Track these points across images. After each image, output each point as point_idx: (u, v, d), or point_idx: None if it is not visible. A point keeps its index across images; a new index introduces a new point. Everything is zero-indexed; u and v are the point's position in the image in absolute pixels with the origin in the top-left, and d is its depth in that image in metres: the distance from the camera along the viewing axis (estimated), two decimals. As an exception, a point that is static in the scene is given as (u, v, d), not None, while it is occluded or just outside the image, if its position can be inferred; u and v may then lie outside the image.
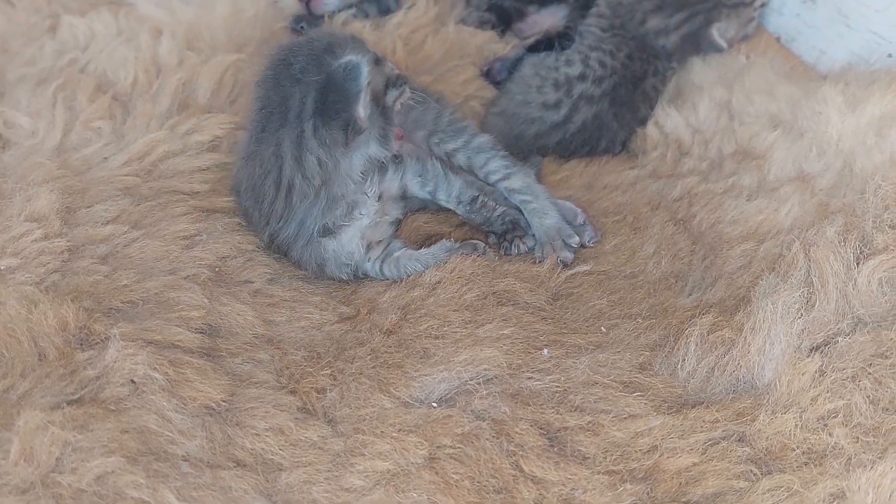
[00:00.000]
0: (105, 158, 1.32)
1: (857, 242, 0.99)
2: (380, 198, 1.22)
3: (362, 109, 1.10)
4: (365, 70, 1.08)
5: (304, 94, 1.10)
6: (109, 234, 1.15)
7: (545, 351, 1.03)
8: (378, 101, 1.14)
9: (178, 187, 1.30)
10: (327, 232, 1.17)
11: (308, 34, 1.20)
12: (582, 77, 1.58)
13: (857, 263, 0.97)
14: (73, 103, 1.42)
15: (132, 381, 0.93)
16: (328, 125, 1.10)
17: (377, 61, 1.13)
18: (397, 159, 1.25)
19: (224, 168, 1.37)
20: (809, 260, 1.01)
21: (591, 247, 1.30)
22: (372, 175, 1.19)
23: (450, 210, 1.33)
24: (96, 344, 0.97)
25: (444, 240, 1.22)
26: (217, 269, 1.17)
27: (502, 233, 1.29)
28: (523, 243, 1.28)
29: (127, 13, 1.65)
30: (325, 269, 1.20)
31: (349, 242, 1.19)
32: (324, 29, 1.25)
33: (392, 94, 1.17)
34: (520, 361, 1.02)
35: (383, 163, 1.21)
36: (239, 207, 1.25)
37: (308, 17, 1.77)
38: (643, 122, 1.61)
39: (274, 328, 1.11)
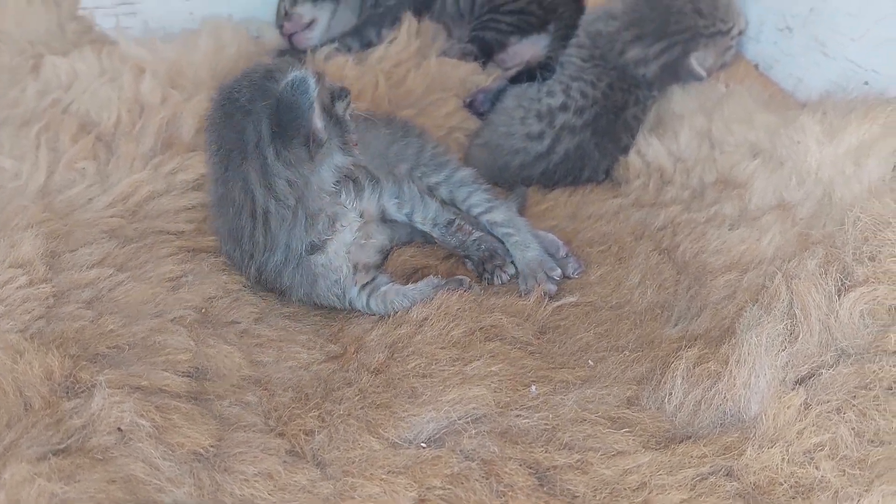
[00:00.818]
0: (89, 200, 1.32)
1: (838, 274, 1.00)
2: (361, 215, 1.22)
3: (318, 120, 1.11)
4: (312, 82, 1.09)
5: (257, 122, 1.10)
6: (94, 278, 1.14)
7: (533, 388, 1.03)
8: (329, 112, 1.15)
9: (163, 227, 1.30)
10: (314, 248, 1.17)
11: (243, 69, 1.20)
12: (564, 107, 1.59)
13: (839, 295, 0.98)
14: (57, 144, 1.42)
15: (119, 428, 0.92)
16: (289, 145, 1.10)
17: (318, 76, 1.13)
18: (373, 180, 1.26)
19: (208, 206, 1.37)
20: (792, 292, 1.02)
21: (576, 278, 1.31)
22: (346, 186, 1.19)
23: (435, 244, 1.34)
24: (82, 392, 0.96)
25: (430, 276, 1.23)
26: (203, 311, 1.17)
27: (480, 260, 1.30)
28: (504, 272, 1.29)
29: (109, 52, 1.65)
30: (318, 289, 1.19)
31: (335, 256, 1.19)
32: (257, 61, 1.26)
33: (340, 105, 1.18)
34: (508, 399, 1.02)
35: (356, 176, 1.22)
36: (223, 252, 1.25)
37: (291, 52, 1.79)
38: (625, 150, 1.62)
39: (261, 369, 1.10)
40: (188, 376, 1.05)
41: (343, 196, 1.19)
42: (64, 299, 1.10)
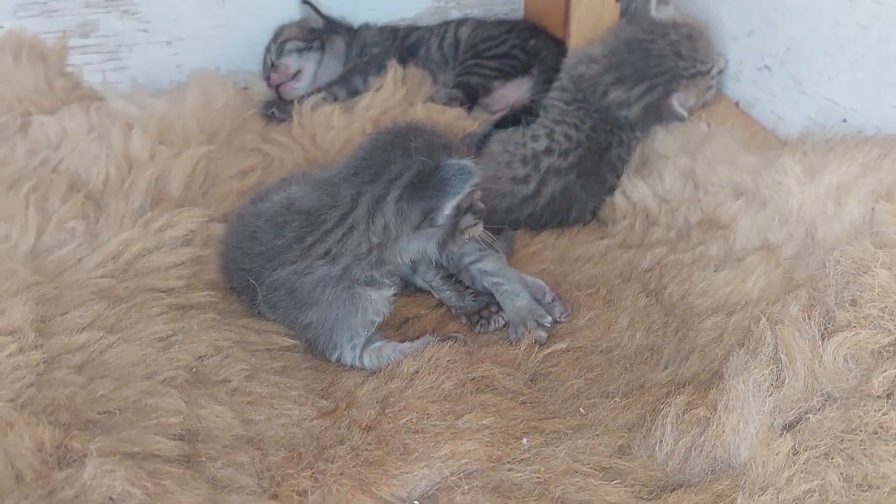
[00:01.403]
0: (79, 260, 1.33)
1: (821, 319, 1.01)
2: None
3: (449, 209, 1.14)
4: (472, 180, 1.13)
5: (407, 167, 1.14)
6: (85, 342, 1.15)
7: (525, 440, 1.04)
8: (457, 213, 1.17)
9: (153, 285, 1.31)
10: (373, 282, 1.19)
11: (428, 125, 1.26)
12: (548, 151, 1.61)
13: (823, 340, 0.99)
14: (46, 204, 1.43)
15: (111, 498, 0.92)
16: (412, 202, 1.13)
17: (478, 184, 1.17)
18: None
19: (199, 262, 1.38)
20: (776, 337, 1.03)
21: (564, 322, 1.32)
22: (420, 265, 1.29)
23: (425, 292, 1.35)
24: (74, 461, 0.96)
25: (426, 335, 1.24)
26: (194, 370, 1.17)
27: (475, 311, 1.31)
28: (500, 317, 1.30)
29: (98, 109, 1.67)
30: (352, 320, 1.20)
31: (382, 301, 1.21)
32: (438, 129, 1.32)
33: (467, 220, 1.20)
34: (500, 453, 1.02)
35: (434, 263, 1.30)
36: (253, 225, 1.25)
37: (278, 102, 1.81)
38: (611, 191, 1.64)
39: (253, 427, 1.10)
40: (180, 439, 1.04)
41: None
42: (55, 365, 1.10)
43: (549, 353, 1.23)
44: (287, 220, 1.19)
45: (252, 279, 1.22)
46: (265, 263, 1.20)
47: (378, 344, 1.23)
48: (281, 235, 1.18)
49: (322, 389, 1.19)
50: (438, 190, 1.12)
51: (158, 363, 1.15)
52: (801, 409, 0.96)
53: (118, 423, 1.04)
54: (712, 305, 1.25)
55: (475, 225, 1.22)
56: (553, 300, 1.33)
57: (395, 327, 1.32)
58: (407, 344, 1.22)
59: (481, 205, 1.23)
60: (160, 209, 1.44)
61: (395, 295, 1.24)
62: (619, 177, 1.65)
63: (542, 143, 1.62)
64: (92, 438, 0.99)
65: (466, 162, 1.13)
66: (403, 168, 1.14)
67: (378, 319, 1.22)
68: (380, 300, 1.21)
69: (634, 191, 1.59)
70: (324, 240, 1.16)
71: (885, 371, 0.91)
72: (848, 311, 0.99)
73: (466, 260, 1.35)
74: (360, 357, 1.22)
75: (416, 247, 1.19)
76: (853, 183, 1.20)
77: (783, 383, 0.99)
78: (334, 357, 1.23)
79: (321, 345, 1.23)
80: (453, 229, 1.18)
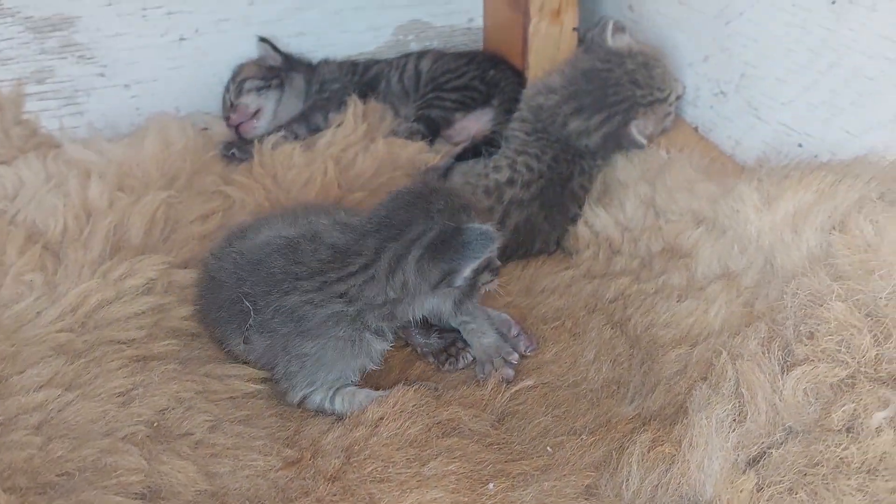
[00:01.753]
0: (38, 314, 1.31)
1: (780, 352, 1.02)
2: None
3: (468, 272, 1.16)
4: (492, 246, 1.15)
5: (428, 228, 1.15)
6: (43, 401, 1.13)
7: (491, 485, 1.03)
8: (475, 273, 1.18)
9: (113, 337, 1.29)
10: (380, 332, 1.20)
11: (447, 188, 1.28)
12: (510, 182, 1.61)
13: (783, 374, 0.99)
14: (4, 257, 1.41)
15: (69, 566, 0.90)
16: (432, 262, 1.14)
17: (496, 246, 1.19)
18: None
19: (160, 310, 1.37)
20: (737, 372, 1.04)
21: (530, 356, 1.31)
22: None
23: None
24: (31, 529, 0.95)
25: (401, 384, 1.22)
26: (155, 425, 1.15)
27: (442, 349, 1.31)
28: (468, 353, 1.30)
29: (55, 157, 1.66)
30: (352, 362, 1.20)
31: (382, 352, 1.22)
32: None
33: (485, 277, 1.21)
34: (466, 500, 1.01)
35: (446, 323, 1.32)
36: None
37: (238, 142, 1.80)
38: (574, 220, 1.65)
39: (217, 481, 1.09)
40: (141, 498, 1.03)
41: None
42: (11, 426, 1.08)
43: (516, 391, 1.23)
44: (311, 250, 1.19)
45: (249, 303, 1.20)
46: (273, 287, 1.18)
47: (351, 388, 1.22)
48: (299, 262, 1.18)
49: (287, 438, 1.18)
50: (459, 253, 1.14)
51: (118, 419, 1.14)
52: (763, 444, 0.97)
53: (77, 484, 1.03)
54: (676, 337, 1.25)
55: (493, 279, 1.24)
56: (518, 334, 1.33)
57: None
58: (381, 392, 1.21)
59: (498, 262, 1.25)
60: (119, 258, 1.42)
61: (392, 347, 1.26)
62: (581, 206, 1.66)
63: (504, 174, 1.62)
64: (50, 502, 0.97)
65: (487, 227, 1.16)
66: (425, 229, 1.16)
67: (372, 368, 1.23)
68: (380, 351, 1.22)
69: (596, 220, 1.59)
70: (345, 280, 1.16)
71: (844, 405, 0.92)
72: (805, 345, 1.00)
73: None
74: (332, 399, 1.21)
75: (432, 305, 1.21)
76: (809, 210, 1.21)
77: (745, 418, 0.99)
78: (299, 396, 1.22)
79: (297, 381, 1.21)
80: (471, 288, 1.20)
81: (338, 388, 1.21)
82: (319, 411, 1.22)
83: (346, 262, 1.17)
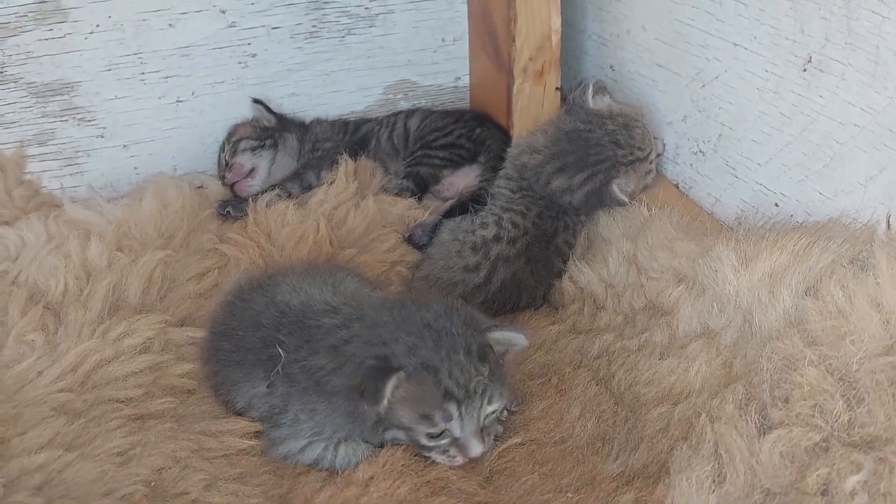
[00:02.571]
0: (39, 373, 1.34)
1: (757, 416, 1.05)
2: None
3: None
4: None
5: (467, 341, 1.17)
6: (44, 462, 1.16)
7: (479, 544, 1.07)
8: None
9: (111, 396, 1.33)
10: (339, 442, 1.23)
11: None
12: (497, 238, 1.66)
13: (760, 436, 1.03)
14: (6, 318, 1.44)
15: None
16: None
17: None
18: None
19: (157, 368, 1.40)
20: (716, 434, 1.07)
21: (517, 411, 1.35)
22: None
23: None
24: (32, 592, 0.97)
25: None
26: (153, 484, 1.18)
27: None
28: None
29: (57, 217, 1.70)
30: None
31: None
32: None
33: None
34: (455, 559, 1.05)
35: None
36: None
37: (233, 201, 1.85)
38: (559, 275, 1.70)
39: (213, 540, 1.12)
40: (140, 559, 1.06)
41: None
42: (13, 488, 1.11)
43: (504, 449, 1.26)
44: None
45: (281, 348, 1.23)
46: (305, 344, 1.22)
47: (355, 440, 1.24)
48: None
49: (280, 496, 1.21)
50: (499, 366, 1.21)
51: (116, 479, 1.16)
52: (742, 507, 1.00)
53: (78, 544, 1.05)
54: (658, 395, 1.29)
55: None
56: None
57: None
58: (384, 450, 1.23)
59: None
60: (118, 317, 1.46)
61: None
62: (566, 261, 1.71)
63: (490, 231, 1.67)
64: (51, 566, 1.00)
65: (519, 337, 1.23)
66: (463, 340, 1.16)
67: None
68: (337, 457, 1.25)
69: (581, 275, 1.64)
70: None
71: (819, 469, 0.95)
72: (781, 409, 1.03)
73: None
74: (336, 449, 1.23)
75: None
76: (784, 272, 1.25)
77: (724, 480, 1.02)
78: (300, 445, 1.24)
79: (302, 429, 1.23)
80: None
81: (343, 440, 1.24)
82: (314, 464, 1.25)
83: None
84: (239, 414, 1.33)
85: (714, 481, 1.03)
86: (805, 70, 1.39)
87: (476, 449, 1.17)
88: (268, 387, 1.25)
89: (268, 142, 1.95)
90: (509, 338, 1.24)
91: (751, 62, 1.50)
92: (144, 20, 1.84)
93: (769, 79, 1.47)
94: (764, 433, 1.03)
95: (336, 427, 1.21)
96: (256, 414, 1.30)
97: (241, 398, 1.32)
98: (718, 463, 1.05)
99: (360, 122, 2.06)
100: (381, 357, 1.14)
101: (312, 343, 1.22)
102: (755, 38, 1.48)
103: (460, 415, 1.14)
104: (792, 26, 1.39)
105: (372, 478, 1.17)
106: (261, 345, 1.27)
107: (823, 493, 0.96)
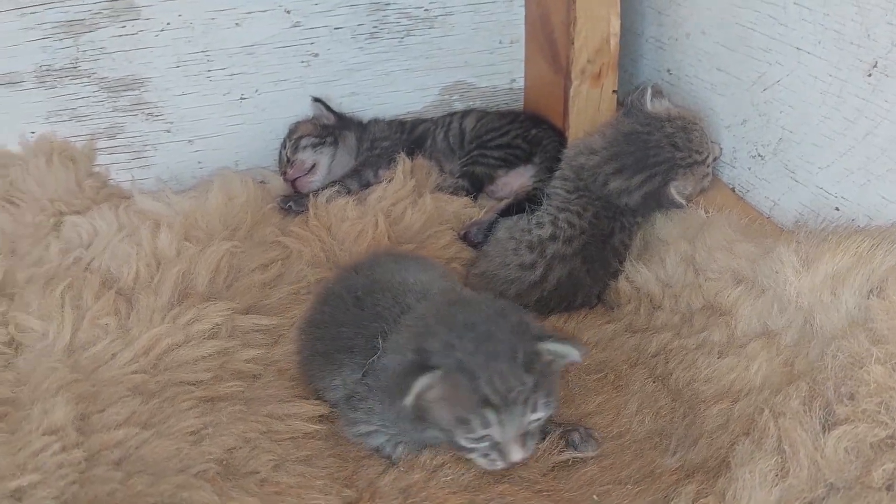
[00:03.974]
0: (113, 355, 1.39)
1: (821, 411, 1.07)
2: None
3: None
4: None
5: (518, 344, 1.13)
6: (122, 438, 1.20)
7: (543, 530, 1.09)
8: None
9: (182, 378, 1.37)
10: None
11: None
12: (553, 238, 1.68)
13: (824, 432, 1.04)
14: (80, 302, 1.49)
15: None
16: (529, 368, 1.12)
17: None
18: None
19: (225, 353, 1.44)
20: (779, 429, 1.09)
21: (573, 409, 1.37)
22: None
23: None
24: (118, 559, 1.01)
25: None
26: (224, 463, 1.22)
27: None
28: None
29: (126, 208, 1.76)
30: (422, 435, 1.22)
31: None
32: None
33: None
34: (519, 543, 1.07)
35: None
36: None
37: (294, 196, 1.89)
38: (615, 275, 1.71)
39: (282, 518, 1.16)
40: (214, 532, 1.10)
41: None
42: (94, 462, 1.16)
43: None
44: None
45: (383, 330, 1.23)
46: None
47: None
48: None
49: (345, 478, 1.24)
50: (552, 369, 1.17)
51: (191, 457, 1.21)
52: (805, 500, 1.01)
53: (156, 514, 1.10)
54: (717, 392, 1.30)
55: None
56: None
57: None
58: None
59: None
60: (187, 304, 1.51)
61: None
62: (622, 261, 1.72)
63: (546, 230, 1.70)
64: (133, 535, 1.04)
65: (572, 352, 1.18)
66: (515, 343, 1.12)
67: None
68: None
69: (637, 275, 1.66)
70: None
71: (884, 464, 0.96)
72: (846, 405, 1.05)
73: None
74: (395, 446, 1.27)
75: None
76: (847, 274, 1.26)
77: (788, 474, 1.03)
78: (369, 429, 1.27)
79: (374, 418, 1.25)
80: None
81: (403, 440, 1.26)
82: (374, 451, 1.29)
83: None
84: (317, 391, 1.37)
85: (777, 475, 1.04)
86: (870, 75, 1.39)
87: (517, 455, 1.13)
88: (363, 375, 1.25)
89: (328, 139, 1.99)
90: (563, 351, 1.16)
91: (814, 66, 1.50)
92: (213, 19, 1.89)
93: (833, 83, 1.48)
94: (828, 429, 1.04)
95: (391, 423, 1.24)
96: (339, 394, 1.31)
97: (334, 377, 1.32)
98: (782, 457, 1.06)
99: (417, 122, 2.10)
100: (421, 351, 1.12)
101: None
102: (819, 42, 1.49)
103: (500, 421, 1.09)
104: (857, 31, 1.39)
105: (441, 465, 1.19)
106: (371, 334, 1.26)
107: (888, 487, 0.97)
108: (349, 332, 1.30)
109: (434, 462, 1.20)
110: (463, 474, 1.17)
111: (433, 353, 1.11)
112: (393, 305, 1.28)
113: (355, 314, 1.31)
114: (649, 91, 1.79)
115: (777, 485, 1.03)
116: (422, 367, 1.09)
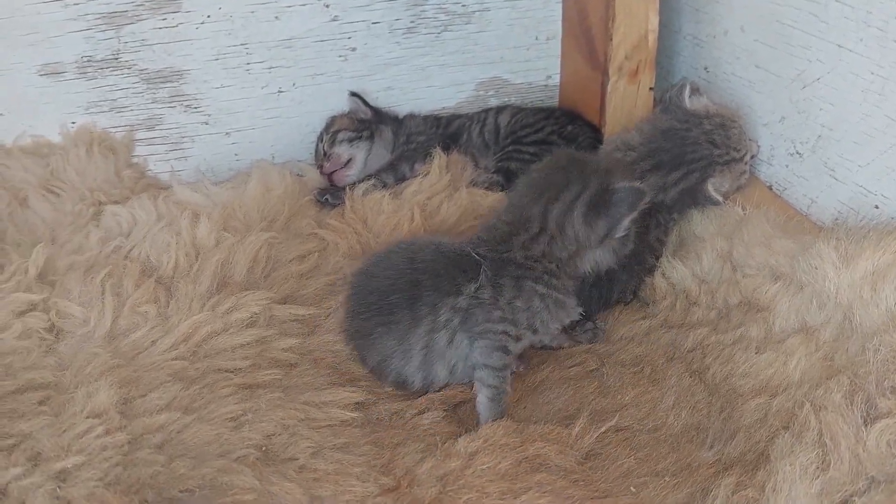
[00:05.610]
0: (153, 342, 1.41)
1: (863, 405, 1.06)
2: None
3: (627, 223, 1.40)
4: (645, 199, 1.39)
5: (584, 187, 1.35)
6: (164, 423, 1.22)
7: (581, 519, 1.09)
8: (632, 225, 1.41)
9: (221, 366, 1.39)
10: (566, 291, 1.39)
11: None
12: (589, 233, 1.68)
13: (866, 426, 1.04)
14: (120, 290, 1.52)
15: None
16: (596, 217, 1.36)
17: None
18: None
19: (262, 342, 1.46)
20: (820, 422, 1.08)
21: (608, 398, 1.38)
22: None
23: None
24: (161, 538, 1.03)
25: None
26: (264, 449, 1.24)
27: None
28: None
29: (165, 198, 1.78)
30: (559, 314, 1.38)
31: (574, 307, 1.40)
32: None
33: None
34: (558, 532, 1.07)
35: None
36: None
37: (331, 189, 1.91)
38: (651, 271, 1.71)
39: (321, 504, 1.17)
40: (255, 516, 1.11)
41: None
42: (137, 445, 1.18)
43: (600, 434, 1.28)
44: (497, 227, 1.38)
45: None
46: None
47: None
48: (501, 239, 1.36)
49: (382, 466, 1.25)
50: (618, 207, 1.34)
51: (231, 442, 1.23)
52: (847, 492, 1.01)
53: (197, 500, 1.11)
54: (755, 387, 1.30)
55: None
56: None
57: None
58: None
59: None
60: (226, 293, 1.53)
61: None
62: (658, 258, 1.72)
63: (583, 226, 1.69)
64: (189, 515, 1.06)
65: (637, 184, 1.36)
66: (578, 190, 1.33)
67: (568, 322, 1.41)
68: (573, 308, 1.40)
69: (674, 272, 1.65)
70: (528, 246, 1.34)
71: (927, 459, 0.96)
72: (889, 399, 1.04)
73: None
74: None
75: (595, 257, 1.40)
76: (888, 270, 1.26)
77: (829, 467, 1.03)
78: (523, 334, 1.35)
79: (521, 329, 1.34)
80: (626, 236, 1.38)
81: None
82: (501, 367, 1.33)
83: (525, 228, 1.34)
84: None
85: (818, 468, 1.04)
86: (913, 71, 1.39)
87: None
88: (476, 290, 1.32)
89: (364, 133, 2.00)
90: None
91: (856, 64, 1.49)
92: (252, 12, 1.91)
93: (874, 81, 1.46)
94: (870, 423, 1.04)
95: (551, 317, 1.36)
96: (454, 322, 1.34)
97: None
98: (823, 450, 1.06)
99: (452, 118, 2.10)
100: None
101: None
102: (861, 40, 1.47)
103: None
104: (900, 27, 1.39)
105: (476, 452, 1.20)
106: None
107: (931, 482, 0.97)
108: (426, 279, 1.35)
109: (469, 449, 1.20)
110: (499, 462, 1.18)
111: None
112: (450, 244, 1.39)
113: (414, 269, 1.37)
114: (688, 88, 1.78)
115: (818, 477, 1.03)
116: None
